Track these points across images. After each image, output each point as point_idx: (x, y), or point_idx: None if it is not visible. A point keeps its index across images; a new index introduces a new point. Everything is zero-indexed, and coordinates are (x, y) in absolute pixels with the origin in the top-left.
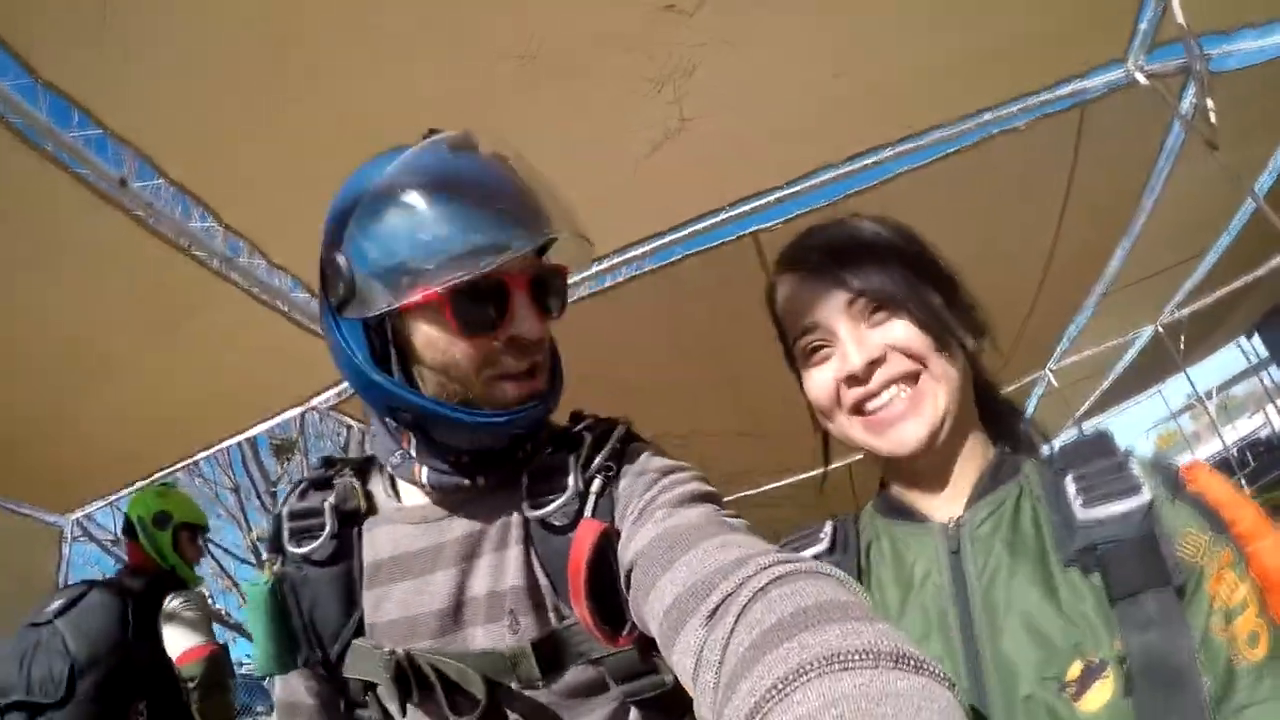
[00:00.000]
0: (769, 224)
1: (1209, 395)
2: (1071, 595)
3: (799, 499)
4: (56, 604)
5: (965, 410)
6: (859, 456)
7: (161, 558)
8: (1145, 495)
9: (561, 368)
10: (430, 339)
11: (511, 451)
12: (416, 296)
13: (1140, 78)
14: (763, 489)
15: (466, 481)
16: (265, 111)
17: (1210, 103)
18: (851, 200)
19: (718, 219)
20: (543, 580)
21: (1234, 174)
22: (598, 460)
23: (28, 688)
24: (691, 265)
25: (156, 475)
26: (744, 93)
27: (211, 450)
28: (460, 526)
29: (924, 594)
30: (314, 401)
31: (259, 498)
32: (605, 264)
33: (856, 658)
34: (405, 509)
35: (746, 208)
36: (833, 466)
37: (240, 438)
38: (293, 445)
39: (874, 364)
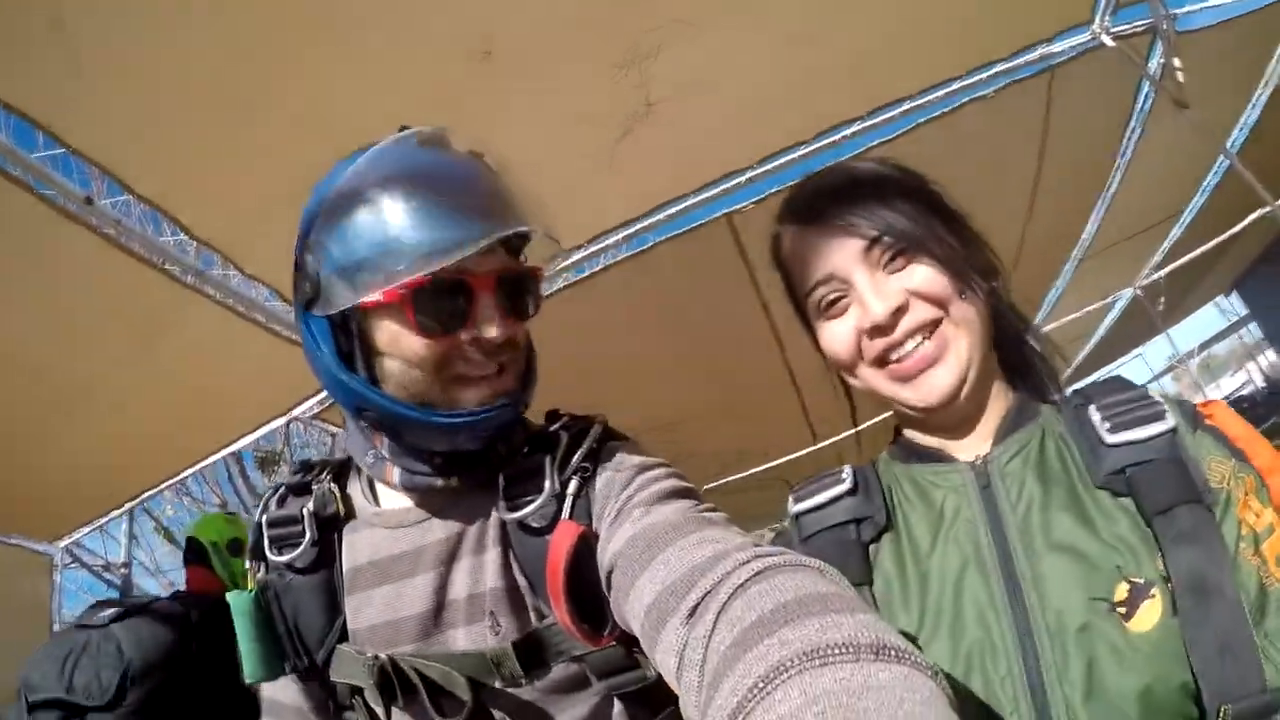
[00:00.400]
0: (742, 204)
1: (1190, 355)
2: (1106, 520)
3: (790, 476)
4: (112, 611)
5: (987, 355)
6: (843, 436)
7: (235, 585)
8: (1170, 420)
9: (535, 367)
10: (392, 337)
11: (485, 453)
12: (374, 294)
13: (1107, 40)
14: (751, 472)
15: (439, 482)
16: (231, 120)
17: (1178, 62)
18: None
19: (690, 202)
20: (522, 581)
21: (1206, 131)
22: (574, 461)
23: (69, 688)
24: (667, 250)
25: (143, 496)
26: (709, 72)
27: (196, 467)
28: (439, 530)
29: (956, 528)
30: (296, 411)
31: (247, 512)
32: (581, 254)
33: (836, 652)
34: (384, 513)
35: (718, 189)
36: (819, 446)
37: (224, 452)
38: (278, 457)
39: (897, 312)
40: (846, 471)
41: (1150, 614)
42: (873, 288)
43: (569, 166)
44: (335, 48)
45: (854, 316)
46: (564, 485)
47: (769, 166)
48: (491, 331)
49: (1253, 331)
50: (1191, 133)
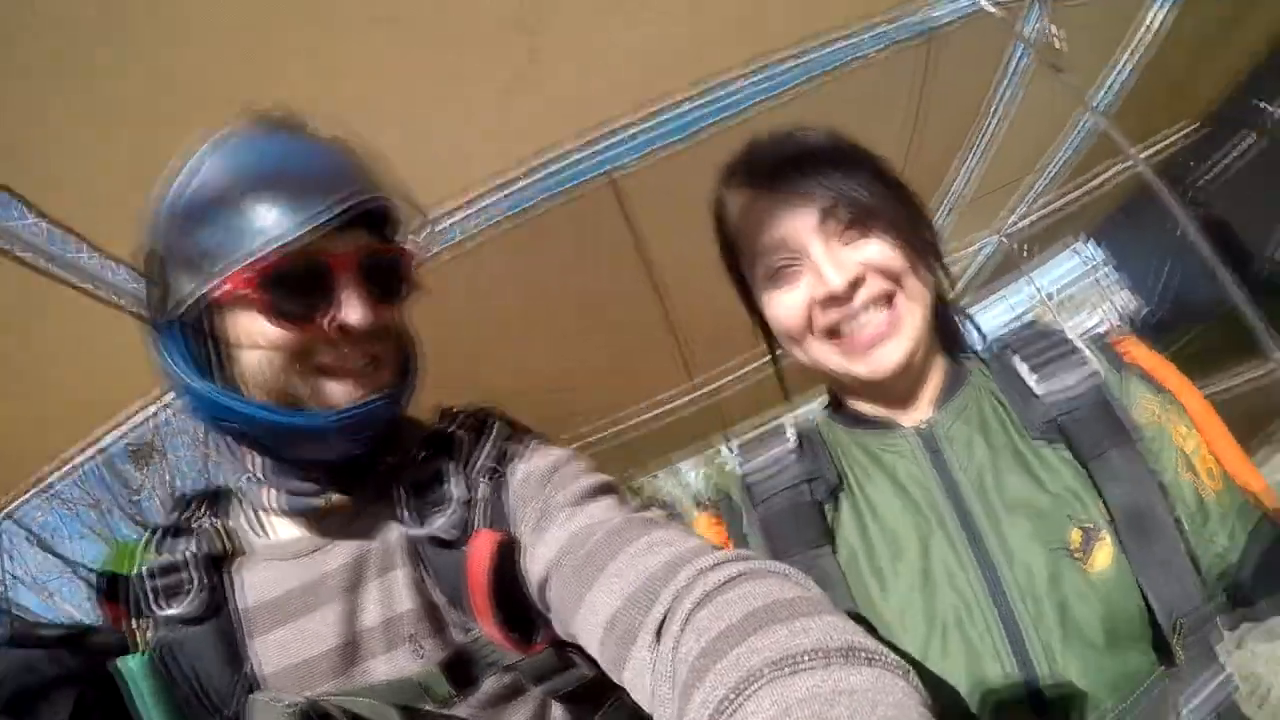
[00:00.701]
0: (624, 163)
1: (1050, 297)
2: (1050, 473)
3: (672, 434)
4: (52, 632)
5: (931, 324)
6: (725, 380)
7: None
8: (1093, 364)
9: (416, 356)
10: (247, 333)
11: (371, 463)
12: (217, 283)
13: (986, 5)
14: (634, 420)
15: (321, 502)
16: (82, 93)
17: (1054, 28)
18: (710, 134)
19: (572, 159)
20: (439, 598)
21: (1075, 92)
22: (479, 463)
23: (4, 712)
24: (549, 211)
25: (9, 505)
26: (596, 27)
27: (66, 466)
28: (338, 555)
29: (913, 494)
30: (166, 398)
31: (121, 509)
32: (461, 214)
33: (806, 658)
34: (275, 544)
35: (601, 145)
36: (696, 394)
37: (94, 449)
38: (151, 448)
39: (854, 284)
40: (789, 429)
41: (1104, 554)
42: (829, 258)
43: (447, 124)
44: (198, 7)
45: (807, 287)
46: (471, 489)
47: (652, 122)
48: (355, 316)
49: (1109, 274)
50: (1061, 95)
